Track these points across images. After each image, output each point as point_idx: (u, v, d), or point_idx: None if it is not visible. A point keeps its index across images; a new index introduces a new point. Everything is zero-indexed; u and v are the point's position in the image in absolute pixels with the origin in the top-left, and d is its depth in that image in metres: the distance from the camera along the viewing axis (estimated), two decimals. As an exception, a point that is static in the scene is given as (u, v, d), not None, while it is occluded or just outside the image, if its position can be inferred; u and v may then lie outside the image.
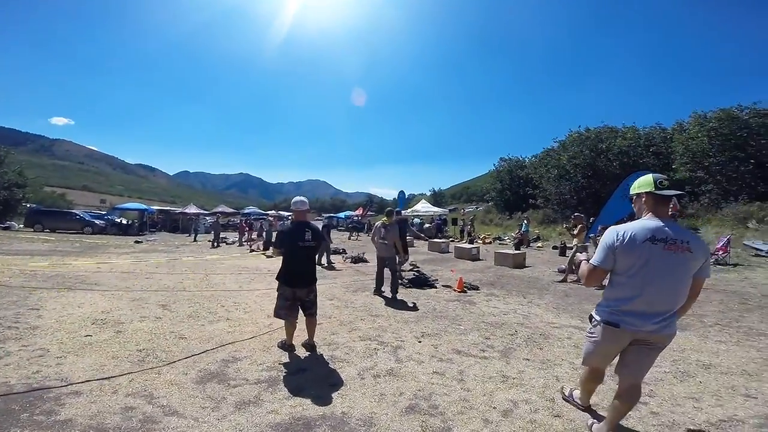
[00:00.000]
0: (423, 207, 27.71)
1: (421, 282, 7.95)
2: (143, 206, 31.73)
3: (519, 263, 11.24)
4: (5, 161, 26.15)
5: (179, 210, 33.73)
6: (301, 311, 3.90)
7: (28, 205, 26.11)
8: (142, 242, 18.98)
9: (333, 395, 2.94)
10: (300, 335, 4.05)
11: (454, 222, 25.24)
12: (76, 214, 24.65)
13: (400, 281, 7.79)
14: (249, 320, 5.09)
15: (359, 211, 34.75)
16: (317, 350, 3.93)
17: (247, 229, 20.19)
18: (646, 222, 2.06)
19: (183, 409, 2.70)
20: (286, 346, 3.89)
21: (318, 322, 4.96)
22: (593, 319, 2.29)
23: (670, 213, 2.21)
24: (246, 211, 39.43)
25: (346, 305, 6.11)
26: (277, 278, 3.85)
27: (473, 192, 64.48)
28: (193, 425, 2.48)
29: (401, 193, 23.80)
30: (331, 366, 3.56)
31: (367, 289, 7.44)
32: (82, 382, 3.06)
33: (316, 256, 4.10)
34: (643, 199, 2.13)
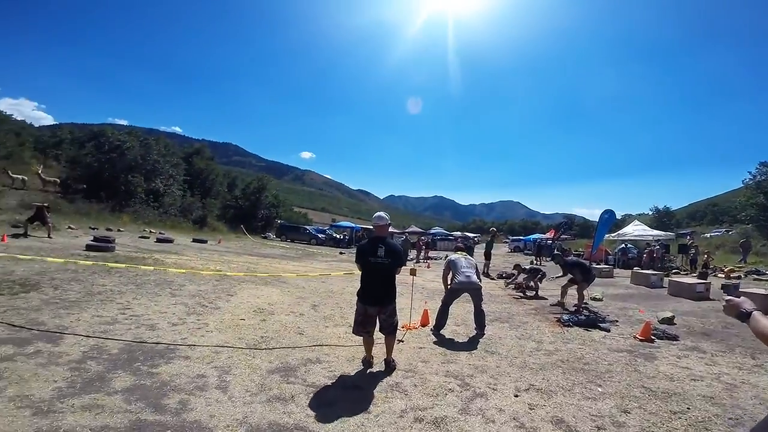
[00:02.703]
0: (635, 230, 22.31)
1: (589, 322, 6.34)
2: (351, 224, 37.92)
3: (775, 312, 7.52)
4: (267, 187, 36.18)
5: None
6: None
7: (279, 221, 34.99)
8: (344, 253, 22.45)
9: (351, 420, 2.70)
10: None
11: (684, 249, 19.24)
12: (306, 229, 31.65)
13: (566, 319, 6.43)
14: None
15: (551, 234, 30.90)
16: (392, 373, 3.64)
17: (423, 247, 21.10)
18: None
19: (233, 387, 3.00)
20: (365, 360, 3.81)
21: (420, 346, 4.59)
22: None
23: None
24: (431, 231, 41.31)
25: (468, 333, 5.49)
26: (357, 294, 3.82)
27: (722, 210, 47.83)
28: (223, 401, 2.76)
29: (607, 212, 19.39)
30: (385, 393, 3.21)
31: (509, 320, 6.48)
32: (197, 346, 3.77)
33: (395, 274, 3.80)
34: None
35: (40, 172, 21.39)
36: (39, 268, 6.76)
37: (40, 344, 3.48)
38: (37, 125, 42.80)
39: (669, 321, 6.63)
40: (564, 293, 8.02)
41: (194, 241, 18.80)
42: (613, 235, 21.44)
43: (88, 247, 10.05)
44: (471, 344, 4.96)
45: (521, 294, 9.74)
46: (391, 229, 35.97)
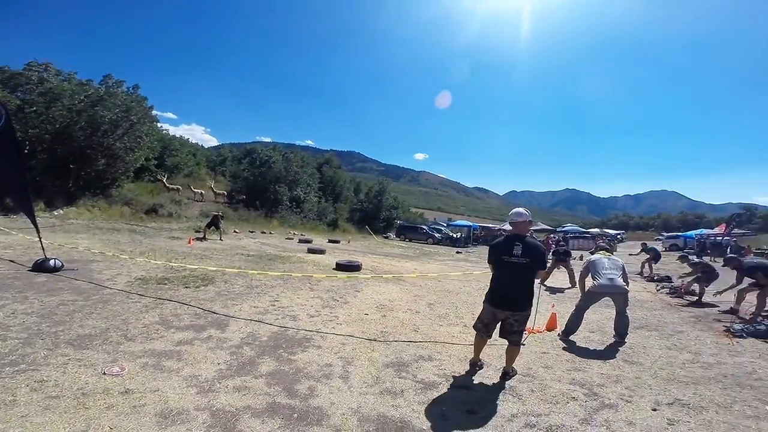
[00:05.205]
0: None
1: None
2: (469, 223, 37.18)
3: None
4: (386, 190, 38.10)
5: (498, 227, 36.79)
6: None
7: (399, 222, 36.51)
8: (461, 253, 22.21)
9: (455, 419, 2.74)
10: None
11: None
12: (423, 228, 32.31)
13: (738, 329, 5.34)
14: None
15: (721, 228, 24.86)
16: (509, 378, 3.50)
17: (552, 246, 19.43)
18: None
19: (353, 377, 3.32)
20: (472, 363, 3.70)
21: (544, 351, 4.37)
22: None
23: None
24: (563, 228, 37.62)
25: (604, 341, 4.95)
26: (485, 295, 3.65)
27: None
28: (343, 390, 3.08)
29: None
30: (496, 396, 3.15)
31: (658, 329, 5.61)
32: (328, 335, 4.26)
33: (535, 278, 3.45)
34: None
35: (212, 186, 26.76)
36: (216, 266, 8.48)
37: (212, 330, 4.24)
38: (206, 146, 52.73)
39: None
40: (741, 298, 6.64)
41: (329, 241, 20.86)
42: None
43: (310, 251, 13.30)
44: (606, 353, 4.51)
45: (678, 299, 8.29)
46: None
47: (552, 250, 12.94)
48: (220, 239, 14.75)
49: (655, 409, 2.99)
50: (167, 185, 23.05)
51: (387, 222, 37.06)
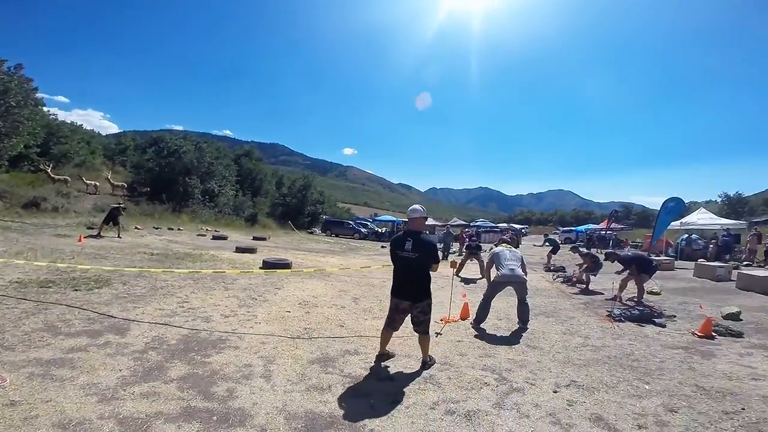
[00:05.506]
0: (700, 218, 20.56)
1: (643, 317, 6.03)
2: (393, 218, 38.22)
3: None
4: (312, 184, 37.31)
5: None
6: None
7: (324, 217, 36.03)
8: (386, 247, 22.72)
9: (382, 410, 2.80)
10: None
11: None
12: (350, 224, 32.47)
13: (617, 314, 6.17)
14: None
15: (604, 224, 29.18)
16: (428, 367, 3.67)
17: (467, 240, 20.72)
18: None
19: (276, 376, 3.23)
20: (378, 353, 3.79)
21: (458, 339, 4.64)
22: None
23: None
24: (476, 223, 40.46)
25: (510, 327, 5.41)
26: None
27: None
28: (265, 389, 2.99)
29: (673, 200, 17.27)
30: (418, 385, 3.28)
31: (555, 315, 6.33)
32: (246, 335, 4.05)
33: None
34: None
35: (109, 177, 23.60)
36: (111, 267, 7.52)
37: (109, 336, 3.82)
38: (104, 134, 47.50)
39: (734, 317, 6.16)
40: (622, 287, 7.66)
41: (254, 239, 19.10)
42: (675, 224, 19.81)
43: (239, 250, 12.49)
44: (512, 339, 4.90)
45: (570, 287, 9.41)
46: (433, 222, 35.80)
47: (465, 244, 13.91)
48: (119, 236, 13.08)
49: (555, 391, 3.27)
50: (52, 176, 19.77)
51: (312, 217, 36.30)
